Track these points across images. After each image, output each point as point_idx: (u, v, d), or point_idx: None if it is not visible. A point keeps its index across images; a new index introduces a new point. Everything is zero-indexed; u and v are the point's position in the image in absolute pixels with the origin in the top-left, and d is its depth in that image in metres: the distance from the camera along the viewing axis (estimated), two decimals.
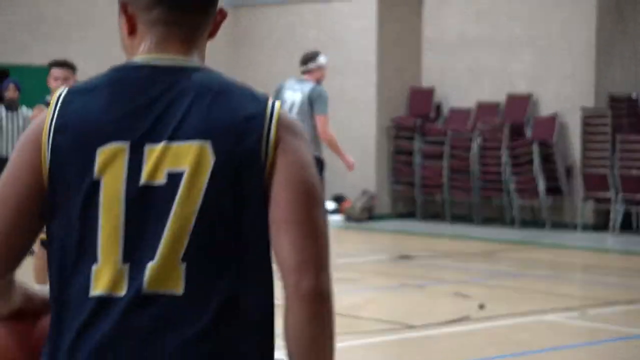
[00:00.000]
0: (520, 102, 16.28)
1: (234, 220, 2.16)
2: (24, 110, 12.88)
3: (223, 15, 2.34)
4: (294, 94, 10.31)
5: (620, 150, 14.99)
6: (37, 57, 17.24)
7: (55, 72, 8.76)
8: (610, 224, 15.19)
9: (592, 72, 15.62)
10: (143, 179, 2.17)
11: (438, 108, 17.40)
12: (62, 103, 2.23)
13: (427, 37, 17.61)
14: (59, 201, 2.20)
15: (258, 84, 18.89)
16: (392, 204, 17.43)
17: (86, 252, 2.18)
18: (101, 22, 18.03)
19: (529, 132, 16.08)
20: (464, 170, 16.48)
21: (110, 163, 2.18)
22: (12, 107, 12.85)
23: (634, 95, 15.36)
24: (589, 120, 15.39)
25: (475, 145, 16.29)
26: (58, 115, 2.22)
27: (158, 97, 2.21)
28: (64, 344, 2.17)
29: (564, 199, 15.82)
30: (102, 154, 2.18)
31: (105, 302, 2.15)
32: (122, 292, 2.15)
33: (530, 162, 15.69)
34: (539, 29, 16.25)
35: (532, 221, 16.18)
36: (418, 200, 17.15)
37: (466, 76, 17.10)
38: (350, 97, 17.69)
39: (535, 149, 15.59)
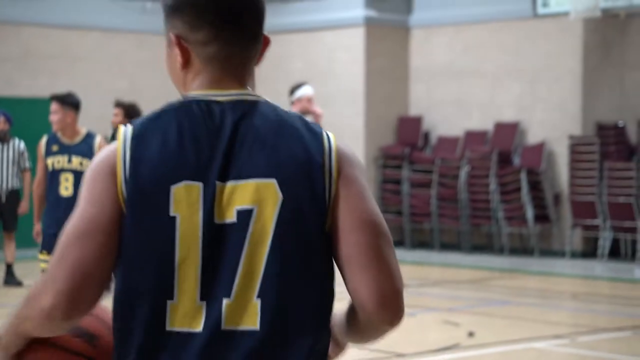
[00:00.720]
0: (508, 131, 16.38)
1: (304, 255, 2.23)
2: (15, 141, 12.89)
3: (267, 42, 2.40)
4: None
5: (607, 178, 15.07)
6: (25, 89, 17.31)
7: (51, 106, 8.88)
8: (599, 251, 15.24)
9: (579, 100, 15.73)
10: (216, 217, 2.21)
11: (426, 137, 17.49)
12: (131, 139, 2.26)
13: (415, 67, 17.72)
14: (132, 234, 2.23)
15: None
16: None
17: (160, 287, 2.21)
18: (89, 57, 18.09)
19: (516, 160, 16.16)
20: (453, 199, 16.54)
21: (184, 201, 2.22)
22: (3, 139, 12.86)
23: (620, 123, 15.46)
24: (576, 148, 15.48)
25: (463, 174, 16.36)
26: (131, 150, 2.25)
27: (224, 134, 2.25)
28: None
29: (552, 227, 15.88)
30: (177, 192, 2.22)
31: (183, 337, 2.20)
32: (199, 328, 2.20)
33: (519, 189, 15.76)
34: (525, 59, 16.36)
35: (521, 249, 16.23)
36: (406, 228, 17.18)
37: (454, 105, 17.20)
38: (338, 126, 17.73)
39: (523, 176, 15.67)
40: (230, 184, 2.23)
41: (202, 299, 2.19)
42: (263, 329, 2.19)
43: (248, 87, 2.35)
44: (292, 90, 10.63)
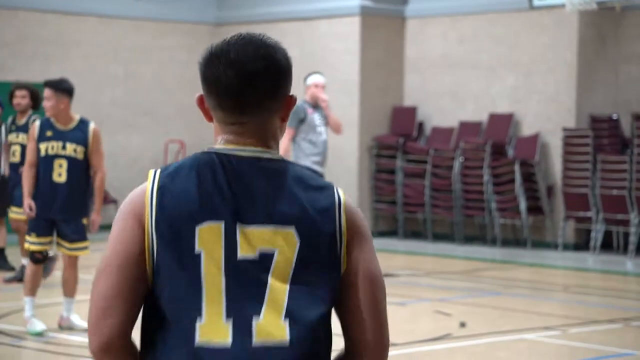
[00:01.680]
0: (502, 122, 16.39)
1: (320, 287, 2.60)
2: (6, 126, 12.85)
3: (293, 101, 2.68)
4: None
5: (601, 170, 15.09)
6: (19, 75, 17.27)
7: (44, 92, 8.89)
8: (591, 243, 15.27)
9: (574, 93, 15.74)
10: (239, 253, 2.57)
11: (420, 127, 17.49)
12: (158, 184, 2.61)
13: (410, 58, 17.71)
14: (162, 270, 2.57)
15: None
16: (374, 222, 17.46)
17: (190, 310, 2.54)
18: (84, 42, 18.06)
19: (510, 152, 16.17)
20: (446, 189, 16.55)
21: (208, 239, 2.57)
22: None
23: (614, 116, 15.48)
24: (570, 141, 15.49)
25: (457, 164, 16.37)
26: (157, 195, 2.59)
27: (243, 184, 2.59)
28: None
29: (545, 218, 15.90)
30: (201, 231, 2.56)
31: (211, 352, 2.53)
32: (228, 343, 2.54)
33: (512, 181, 15.77)
34: (521, 51, 16.37)
35: (514, 240, 16.25)
36: (400, 218, 17.20)
37: (448, 96, 17.20)
38: None
39: (517, 168, 15.68)
40: (252, 228, 2.58)
41: (227, 318, 2.54)
42: (292, 344, 2.54)
43: (269, 144, 2.64)
44: (305, 78, 11.24)
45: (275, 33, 18.52)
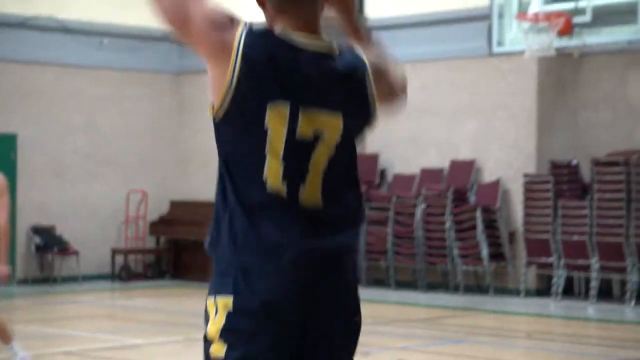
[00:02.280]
0: (464, 168, 16.43)
1: (350, 162, 3.28)
2: None
3: None
4: None
5: (561, 216, 15.13)
6: None
7: None
8: (553, 289, 15.28)
9: (534, 139, 15.82)
10: (298, 134, 3.16)
11: (382, 174, 17.49)
12: (245, 38, 3.14)
13: None
14: (237, 130, 3.21)
15: (202, 151, 18.95)
16: None
17: (257, 171, 3.17)
18: (46, 92, 17.99)
19: (472, 198, 16.20)
20: (409, 237, 16.53)
21: (276, 117, 3.14)
22: None
23: (574, 162, 15.56)
24: (530, 187, 15.55)
25: (419, 211, 16.36)
26: (243, 50, 3.14)
27: (309, 69, 3.18)
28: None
29: (507, 265, 15.91)
30: (271, 108, 3.14)
31: (275, 198, 3.16)
32: (284, 196, 3.17)
33: (474, 227, 15.78)
34: (481, 98, 16.45)
35: (476, 287, 16.23)
36: (362, 266, 17.14)
37: (410, 143, 17.23)
38: None
39: (479, 214, 15.70)
40: (310, 109, 3.16)
41: (283, 181, 3.16)
42: (324, 204, 3.20)
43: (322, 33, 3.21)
44: None
45: None
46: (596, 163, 14.96)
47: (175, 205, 18.95)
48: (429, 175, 16.76)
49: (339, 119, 3.20)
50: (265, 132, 3.12)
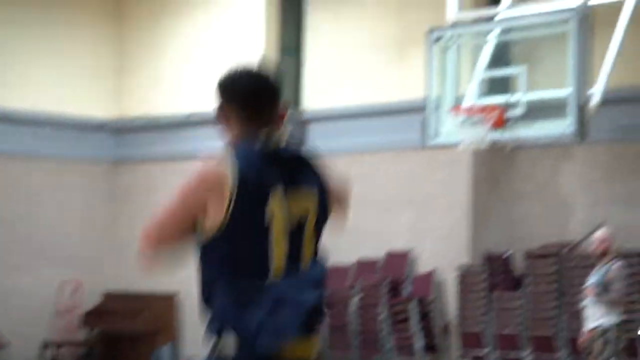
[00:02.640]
0: (399, 260, 16.44)
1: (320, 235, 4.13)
2: None
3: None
4: None
5: (495, 308, 15.13)
6: None
7: None
8: None
9: (469, 231, 15.90)
10: (294, 217, 4.04)
11: None
12: (238, 167, 3.96)
13: None
14: (240, 219, 3.96)
15: (135, 241, 18.74)
16: None
17: (263, 258, 3.97)
18: None
19: (407, 289, 16.16)
20: (343, 328, 16.40)
21: (276, 201, 3.98)
22: None
23: (507, 254, 15.61)
24: (465, 278, 15.57)
25: (354, 303, 16.27)
26: (237, 172, 3.94)
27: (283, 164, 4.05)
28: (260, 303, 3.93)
29: (441, 357, 15.82)
30: (273, 194, 3.98)
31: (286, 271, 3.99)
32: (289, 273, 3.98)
33: (408, 319, 15.71)
34: (416, 189, 16.53)
35: None
36: None
37: (346, 234, 17.10)
38: None
39: (413, 306, 15.64)
40: (295, 191, 4.03)
41: (288, 261, 4.00)
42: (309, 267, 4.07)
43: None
44: None
45: (175, 171, 18.48)
46: (529, 255, 15.03)
47: (109, 296, 18.68)
48: (365, 266, 16.72)
49: (315, 196, 4.06)
50: (267, 224, 3.95)
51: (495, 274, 15.42)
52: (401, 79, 17.00)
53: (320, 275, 4.04)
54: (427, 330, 15.74)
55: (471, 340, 15.25)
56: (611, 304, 11.43)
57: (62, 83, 18.83)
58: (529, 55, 15.42)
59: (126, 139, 19.25)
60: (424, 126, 15.93)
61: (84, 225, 18.90)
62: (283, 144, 4.03)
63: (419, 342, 15.62)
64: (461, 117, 15.33)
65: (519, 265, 15.58)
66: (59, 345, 18.09)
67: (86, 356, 18.51)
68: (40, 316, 18.19)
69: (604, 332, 11.44)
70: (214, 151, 3.94)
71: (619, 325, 11.42)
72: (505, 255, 15.59)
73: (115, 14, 19.53)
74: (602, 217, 15.22)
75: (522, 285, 15.14)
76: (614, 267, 11.57)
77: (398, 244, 16.65)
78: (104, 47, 19.34)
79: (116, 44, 19.44)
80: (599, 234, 11.98)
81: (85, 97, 19.12)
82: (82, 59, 19.09)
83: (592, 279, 11.61)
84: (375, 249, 16.85)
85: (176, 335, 17.87)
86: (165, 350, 17.51)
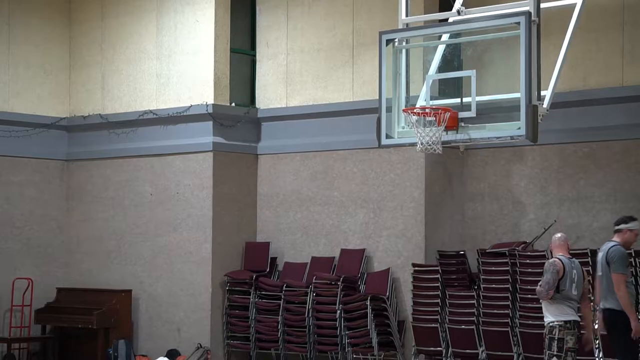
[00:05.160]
0: (354, 257, 16.68)
1: None
2: None
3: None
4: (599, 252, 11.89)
5: (449, 305, 15.46)
6: None
7: None
8: None
9: (422, 229, 16.17)
10: None
11: (273, 263, 17.64)
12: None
13: (262, 194, 17.97)
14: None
15: (89, 239, 18.83)
16: (227, 358, 17.40)
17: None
18: None
19: (362, 287, 16.44)
20: (300, 325, 16.65)
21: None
22: None
23: (461, 252, 15.94)
24: (419, 275, 15.86)
25: (310, 300, 16.53)
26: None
27: None
28: None
29: (397, 353, 16.13)
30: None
31: None
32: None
33: (364, 316, 15.98)
34: (371, 188, 16.81)
35: None
36: (253, 355, 17.19)
37: (301, 232, 17.46)
38: (186, 251, 17.78)
39: (369, 303, 15.92)
40: None
41: None
42: None
43: None
44: (619, 221, 11.81)
45: (128, 168, 18.58)
46: (482, 254, 15.38)
47: (61, 292, 18.73)
48: (320, 263, 16.97)
49: None
50: None
51: (449, 271, 15.76)
52: (353, 80, 17.26)
53: None
54: (383, 327, 16.03)
55: (426, 337, 15.57)
56: (554, 302, 11.74)
57: (12, 81, 18.78)
58: (480, 59, 15.74)
59: (78, 137, 19.27)
60: (377, 126, 16.16)
61: (36, 223, 18.91)
62: None
63: (374, 339, 15.91)
64: (414, 118, 15.56)
65: (472, 263, 15.94)
66: (12, 342, 18.09)
67: (40, 352, 18.54)
68: None
69: (551, 329, 11.75)
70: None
71: (567, 324, 11.68)
72: (459, 253, 15.93)
73: (68, 12, 19.53)
74: (553, 217, 15.69)
75: (475, 283, 15.48)
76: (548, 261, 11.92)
77: (353, 242, 16.91)
78: (54, 46, 19.32)
79: (66, 43, 19.44)
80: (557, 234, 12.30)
81: (36, 95, 19.10)
82: (33, 57, 19.06)
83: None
84: (330, 247, 17.11)
85: (132, 331, 17.98)
86: (120, 346, 17.60)
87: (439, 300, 15.58)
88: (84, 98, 19.31)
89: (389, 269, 16.37)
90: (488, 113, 15.16)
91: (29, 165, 18.90)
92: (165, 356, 17.34)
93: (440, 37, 15.74)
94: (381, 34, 15.06)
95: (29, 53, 19.01)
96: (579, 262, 12.09)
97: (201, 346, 17.21)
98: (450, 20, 15.67)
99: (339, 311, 16.22)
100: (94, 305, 17.91)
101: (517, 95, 14.61)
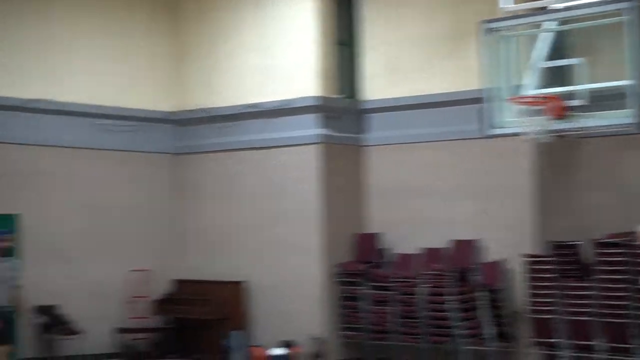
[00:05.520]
0: (465, 248, 16.73)
1: None
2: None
3: None
4: None
5: (565, 296, 15.37)
6: None
7: None
8: None
9: (533, 220, 16.11)
10: None
11: (383, 254, 17.78)
12: None
13: (371, 185, 18.10)
14: None
15: (198, 231, 19.16)
16: (341, 349, 17.64)
17: None
18: (46, 173, 18.22)
19: (475, 278, 16.48)
20: (411, 316, 16.78)
21: None
22: None
23: (575, 243, 15.80)
24: (534, 266, 15.78)
25: (420, 290, 16.64)
26: None
27: None
28: None
29: (511, 345, 16.18)
30: None
31: None
32: None
33: (478, 307, 16.04)
34: (478, 179, 16.82)
35: None
36: (366, 345, 17.40)
37: (410, 223, 17.54)
38: (294, 243, 18.02)
39: (482, 294, 15.97)
40: None
41: None
42: None
43: None
44: None
45: (232, 162, 18.86)
46: (597, 244, 15.23)
47: (178, 284, 19.16)
48: (431, 254, 17.08)
49: None
50: None
51: (563, 262, 15.66)
52: (457, 70, 17.27)
53: None
54: (497, 318, 16.06)
55: (542, 329, 15.54)
56: None
57: (120, 76, 19.16)
58: (588, 46, 15.63)
59: (185, 131, 19.61)
60: (481, 116, 16.19)
61: (147, 216, 19.33)
62: None
63: (489, 330, 15.96)
64: (521, 107, 15.55)
65: (586, 253, 15.83)
66: (132, 332, 18.59)
67: (159, 342, 19.01)
68: (112, 304, 18.64)
69: None
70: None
71: None
72: (573, 244, 15.80)
73: (172, 7, 19.82)
74: None
75: (591, 273, 15.34)
76: None
77: (462, 233, 16.96)
78: (161, 40, 19.66)
79: (172, 38, 19.75)
80: None
81: (144, 90, 19.47)
82: (140, 52, 19.42)
83: None
84: (440, 237, 17.17)
85: (245, 322, 18.33)
86: (235, 336, 17.98)
87: (554, 291, 15.49)
88: (189, 92, 19.62)
89: (502, 259, 16.38)
90: (597, 101, 15.09)
91: (140, 159, 19.30)
92: (280, 347, 17.66)
93: (542, 25, 15.68)
94: (482, 23, 15.03)
95: (136, 49, 19.36)
96: None
97: (315, 337, 17.47)
98: (552, 7, 15.54)
99: (451, 302, 16.31)
100: (209, 297, 18.30)
101: (626, 82, 14.51)
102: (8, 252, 13.07)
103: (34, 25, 18.04)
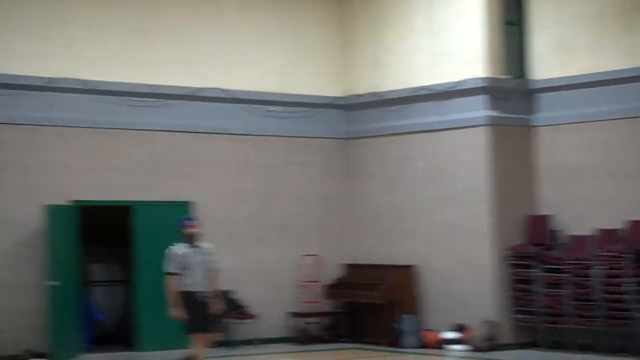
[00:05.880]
0: None
1: None
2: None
3: None
4: None
5: None
6: (163, 195, 17.96)
7: None
8: None
9: None
10: None
11: (555, 235, 17.52)
12: None
13: (542, 166, 17.84)
14: None
15: (371, 215, 19.28)
16: (514, 333, 17.48)
17: None
18: (216, 160, 18.65)
19: None
20: (586, 299, 16.50)
21: None
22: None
23: None
24: None
25: (595, 273, 16.34)
26: None
27: None
28: None
29: None
30: None
31: None
32: None
33: None
34: None
35: None
36: (540, 329, 17.19)
37: (583, 203, 17.21)
38: (464, 225, 17.93)
39: None
40: None
41: None
42: None
43: None
44: None
45: (401, 146, 18.89)
46: None
47: (349, 268, 19.34)
48: (605, 236, 16.72)
49: None
50: None
51: None
52: (629, 47, 16.84)
53: None
54: None
55: None
56: None
57: (287, 62, 19.42)
58: None
59: (354, 115, 19.73)
60: None
61: (318, 201, 19.54)
62: None
63: None
64: None
65: None
66: (305, 317, 18.87)
67: (331, 326, 19.24)
68: (285, 289, 18.94)
69: None
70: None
71: None
72: None
73: None
74: None
75: None
76: None
77: (638, 213, 16.54)
78: (326, 25, 19.83)
79: (336, 22, 19.89)
80: None
81: (312, 76, 19.68)
82: (307, 39, 19.64)
83: None
84: (614, 218, 16.76)
85: (416, 306, 18.36)
86: (406, 320, 18.03)
87: None
88: (357, 76, 19.73)
89: None
90: None
91: (310, 145, 19.53)
92: (453, 330, 17.62)
93: None
94: None
95: (301, 35, 19.58)
96: None
97: (487, 320, 17.36)
98: None
99: (628, 284, 15.94)
100: (379, 281, 18.40)
101: None
102: (197, 238, 13.55)
103: (209, 19, 18.54)
